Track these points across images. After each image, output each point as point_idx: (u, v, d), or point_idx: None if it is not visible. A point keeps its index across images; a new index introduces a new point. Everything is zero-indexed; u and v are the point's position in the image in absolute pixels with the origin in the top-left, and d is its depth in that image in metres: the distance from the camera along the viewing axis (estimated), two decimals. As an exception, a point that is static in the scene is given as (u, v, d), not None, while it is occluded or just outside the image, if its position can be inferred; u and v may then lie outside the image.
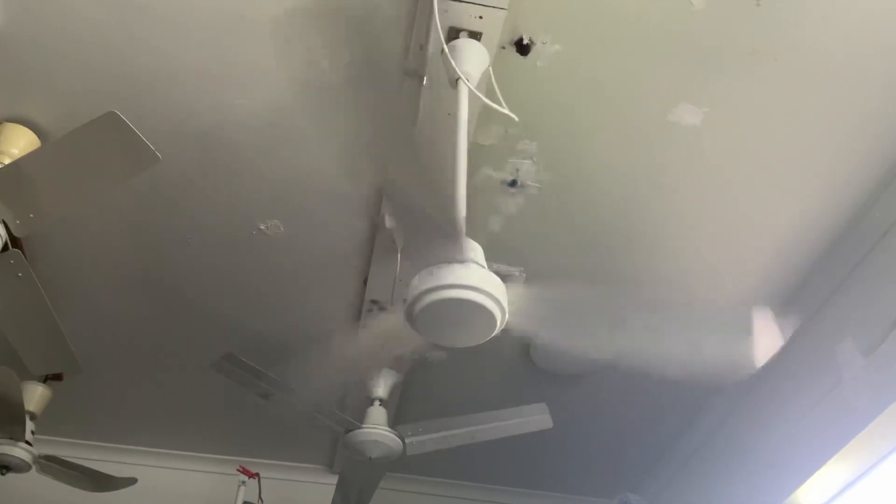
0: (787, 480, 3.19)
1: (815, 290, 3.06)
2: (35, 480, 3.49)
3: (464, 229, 1.84)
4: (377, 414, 3.21)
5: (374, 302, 3.25)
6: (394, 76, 2.42)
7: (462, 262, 1.75)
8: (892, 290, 2.69)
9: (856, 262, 2.87)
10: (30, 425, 3.30)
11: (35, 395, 3.42)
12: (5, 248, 2.37)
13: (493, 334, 1.77)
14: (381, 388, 3.36)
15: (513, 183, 2.79)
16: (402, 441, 3.16)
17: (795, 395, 3.19)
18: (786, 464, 3.20)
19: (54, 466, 3.45)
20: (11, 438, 3.24)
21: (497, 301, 1.70)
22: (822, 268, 3.00)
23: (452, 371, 3.66)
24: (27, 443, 3.29)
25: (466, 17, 2.16)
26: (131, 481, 3.64)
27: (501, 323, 1.74)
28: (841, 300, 2.97)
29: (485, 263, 1.78)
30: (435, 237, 1.74)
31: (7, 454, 3.24)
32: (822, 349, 3.01)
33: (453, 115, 2.04)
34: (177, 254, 3.14)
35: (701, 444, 3.90)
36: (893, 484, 2.90)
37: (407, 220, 2.04)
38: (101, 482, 3.59)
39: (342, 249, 3.09)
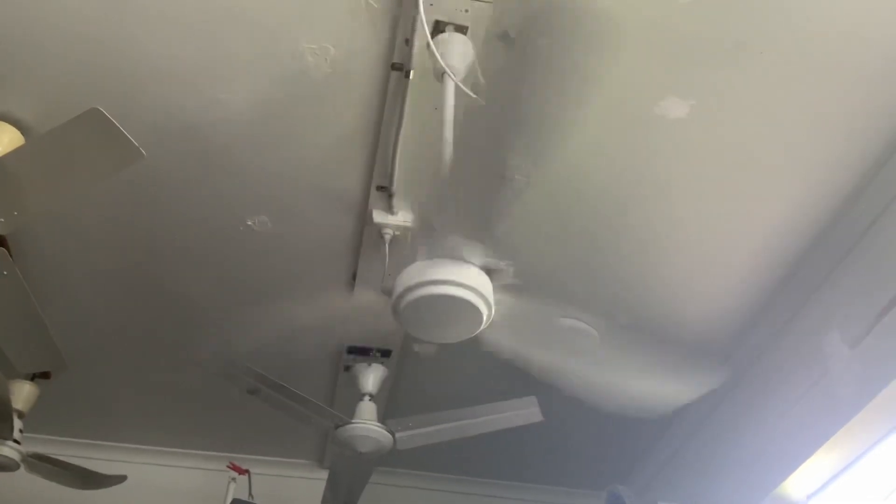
0: (775, 471, 3.20)
1: (801, 282, 3.07)
2: (23, 479, 3.48)
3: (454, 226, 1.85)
4: (367, 409, 3.22)
5: (363, 297, 3.25)
6: (380, 70, 2.41)
7: (449, 258, 1.75)
8: (878, 283, 2.70)
9: (842, 254, 2.89)
10: (17, 423, 3.29)
11: (22, 394, 3.41)
12: (-10, 245, 2.36)
13: (478, 330, 1.77)
14: (371, 383, 3.36)
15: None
16: (392, 436, 3.17)
17: (782, 387, 3.20)
18: (773, 455, 3.22)
19: (43, 465, 3.43)
20: (-1, 437, 3.23)
21: (482, 297, 1.70)
22: (809, 260, 3.01)
23: (441, 365, 3.66)
24: (15, 441, 3.27)
25: (452, 10, 2.16)
26: (120, 479, 3.63)
27: (487, 319, 1.74)
28: (827, 292, 2.98)
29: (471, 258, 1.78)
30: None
31: (-5, 453, 3.23)
32: (809, 341, 3.03)
33: (439, 110, 2.03)
34: (163, 250, 3.12)
35: (689, 436, 3.92)
36: (879, 474, 2.92)
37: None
38: (90, 480, 3.58)
39: (330, 245, 3.08)
